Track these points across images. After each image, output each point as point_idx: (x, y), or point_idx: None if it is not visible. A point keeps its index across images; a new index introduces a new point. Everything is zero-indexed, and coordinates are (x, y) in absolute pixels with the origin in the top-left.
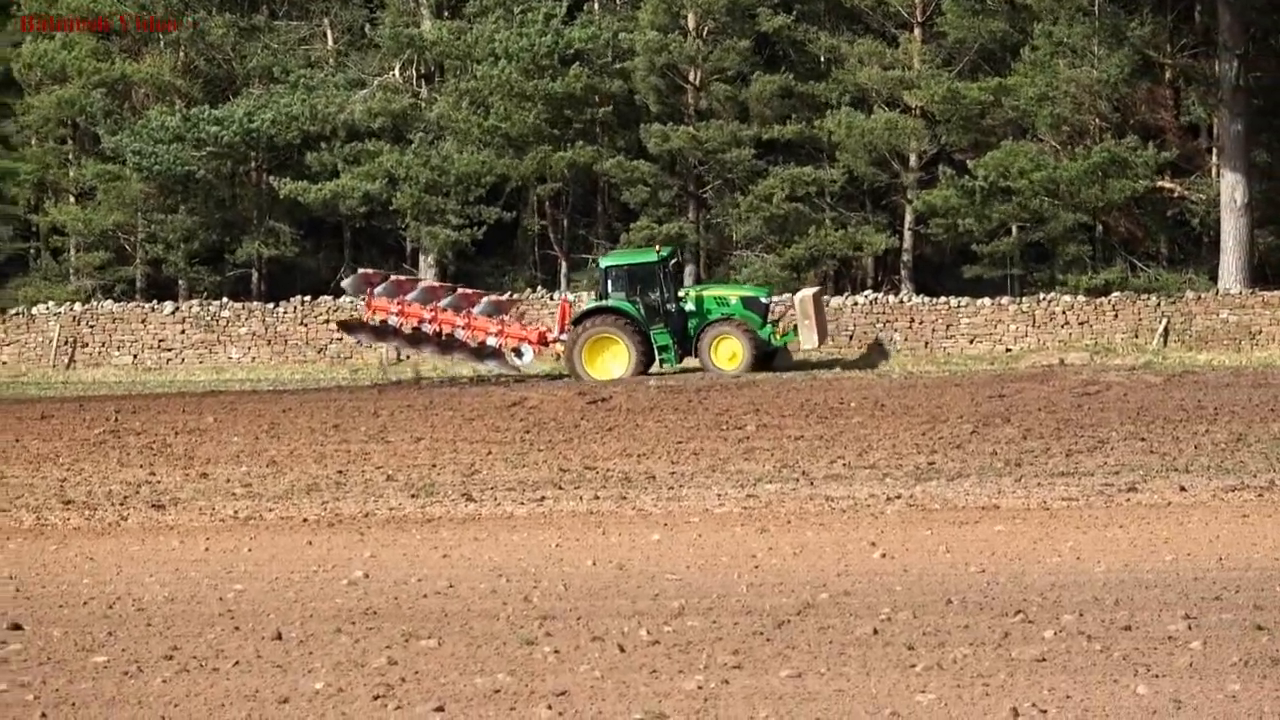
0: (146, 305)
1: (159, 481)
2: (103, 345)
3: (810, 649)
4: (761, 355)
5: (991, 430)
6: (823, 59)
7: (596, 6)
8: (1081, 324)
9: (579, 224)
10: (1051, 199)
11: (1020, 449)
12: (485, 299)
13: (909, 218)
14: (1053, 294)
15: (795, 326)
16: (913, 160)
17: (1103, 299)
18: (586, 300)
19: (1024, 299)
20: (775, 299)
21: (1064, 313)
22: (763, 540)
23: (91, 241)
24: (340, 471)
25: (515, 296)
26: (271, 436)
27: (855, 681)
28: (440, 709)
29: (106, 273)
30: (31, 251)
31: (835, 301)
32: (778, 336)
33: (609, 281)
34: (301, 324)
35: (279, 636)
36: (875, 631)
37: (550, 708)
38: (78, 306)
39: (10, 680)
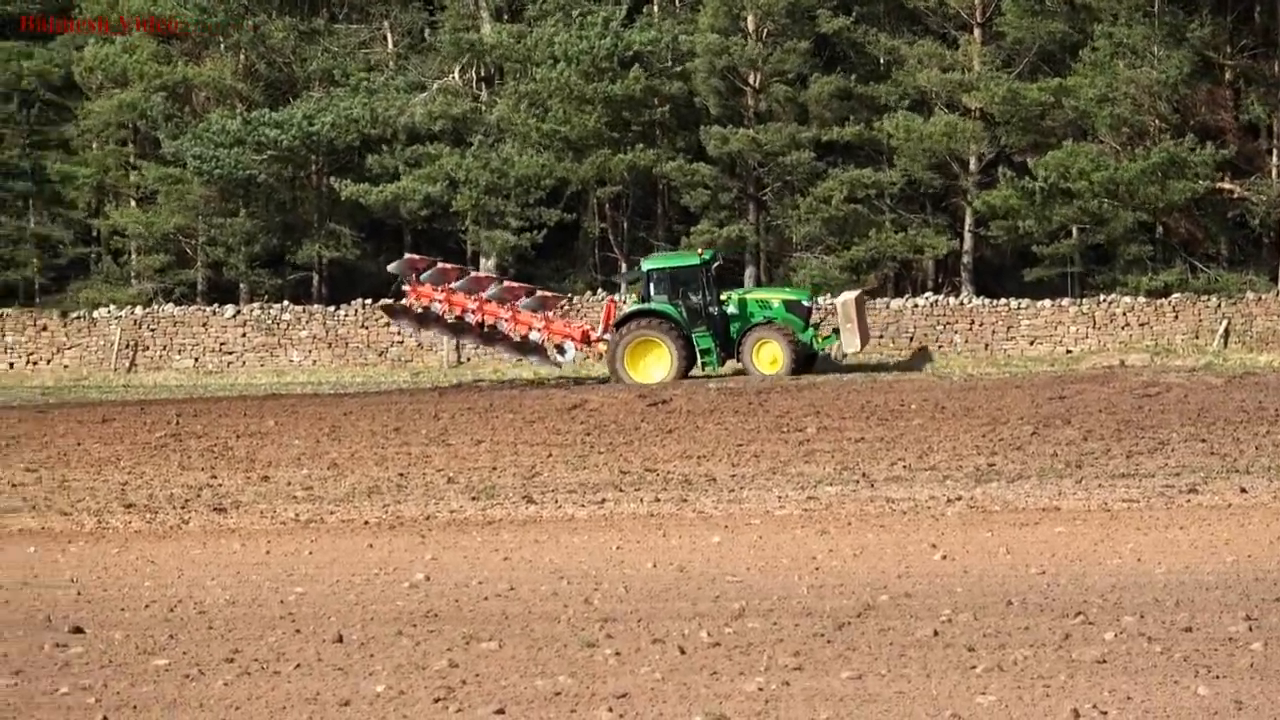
0: (207, 308)
1: (220, 485)
2: (164, 348)
3: (871, 650)
4: (802, 359)
5: (1052, 432)
6: (882, 60)
7: (656, 9)
8: (1142, 325)
9: (639, 226)
10: (1111, 200)
11: (1081, 450)
12: (530, 294)
13: (969, 219)
14: (1113, 295)
15: (836, 330)
16: (972, 163)
17: (1163, 300)
18: (630, 302)
19: (1084, 300)
20: (819, 301)
21: (1124, 314)
22: (823, 542)
23: (152, 245)
24: (401, 474)
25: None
26: (333, 439)
27: (916, 683)
28: (501, 711)
29: (167, 276)
30: (92, 255)
31: (895, 304)
32: (819, 340)
33: (651, 284)
34: (362, 327)
35: (340, 639)
36: (936, 633)
37: (611, 710)
38: (139, 310)
39: (72, 683)
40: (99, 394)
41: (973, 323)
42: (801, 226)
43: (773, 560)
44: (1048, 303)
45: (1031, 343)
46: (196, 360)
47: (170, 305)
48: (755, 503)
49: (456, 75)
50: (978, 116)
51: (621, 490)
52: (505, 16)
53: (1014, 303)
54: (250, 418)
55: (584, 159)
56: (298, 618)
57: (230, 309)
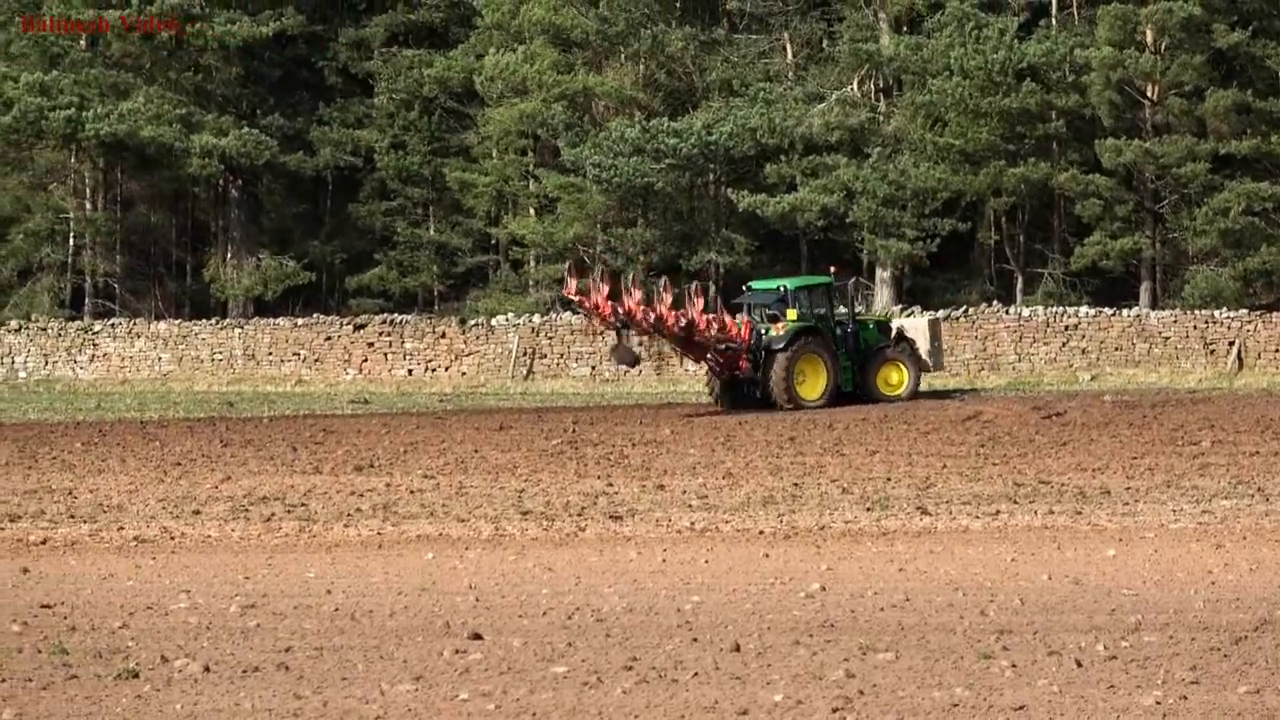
0: None
1: (616, 493)
2: (560, 357)
3: (1268, 665)
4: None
5: None
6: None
7: (1054, 22)
8: None
9: (1034, 238)
10: None
11: None
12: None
13: None
14: None
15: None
16: None
17: None
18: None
19: None
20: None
21: None
22: (1218, 556)
23: (551, 254)
24: (796, 484)
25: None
26: (727, 448)
27: None
28: None
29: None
30: (491, 263)
31: None
32: None
33: (797, 303)
34: None
35: (737, 648)
36: None
37: None
38: (536, 318)
39: (472, 690)
40: (496, 401)
41: None
42: (1197, 239)
43: (1168, 574)
44: None
45: None
46: (593, 369)
47: (568, 314)
48: (1150, 515)
49: (855, 86)
50: None
51: (1015, 502)
52: (904, 28)
53: None
54: (646, 426)
55: (979, 171)
56: (695, 626)
57: None
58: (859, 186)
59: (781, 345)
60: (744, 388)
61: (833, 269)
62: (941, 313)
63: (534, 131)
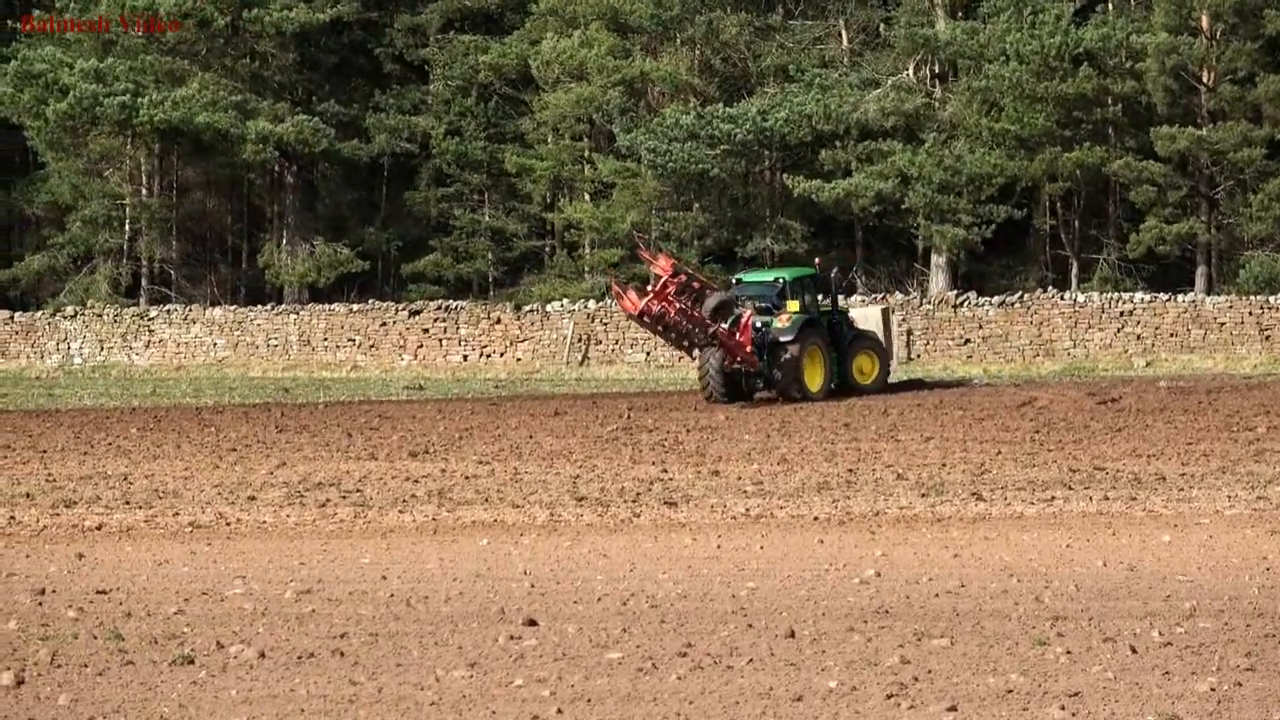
0: None
1: (671, 479)
2: (616, 343)
3: None
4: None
5: None
6: None
7: (1110, 7)
8: None
9: (1090, 224)
10: None
11: None
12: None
13: None
14: None
15: None
16: None
17: None
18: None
19: None
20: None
21: None
22: (1274, 542)
23: (606, 239)
24: (850, 470)
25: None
26: (782, 434)
27: None
28: (953, 709)
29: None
30: (547, 249)
31: None
32: None
33: (795, 296)
34: None
35: (792, 634)
36: None
37: (1064, 708)
38: (592, 304)
39: (527, 675)
40: (551, 387)
41: None
42: (1253, 225)
43: (1223, 560)
44: None
45: None
46: (648, 355)
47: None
48: (1205, 502)
49: (910, 71)
50: None
51: (1070, 488)
52: (959, 13)
53: None
54: (701, 412)
55: (1034, 157)
56: (749, 612)
57: None
58: (914, 172)
59: (791, 337)
60: (742, 381)
61: (817, 260)
62: (996, 298)
63: (590, 117)
